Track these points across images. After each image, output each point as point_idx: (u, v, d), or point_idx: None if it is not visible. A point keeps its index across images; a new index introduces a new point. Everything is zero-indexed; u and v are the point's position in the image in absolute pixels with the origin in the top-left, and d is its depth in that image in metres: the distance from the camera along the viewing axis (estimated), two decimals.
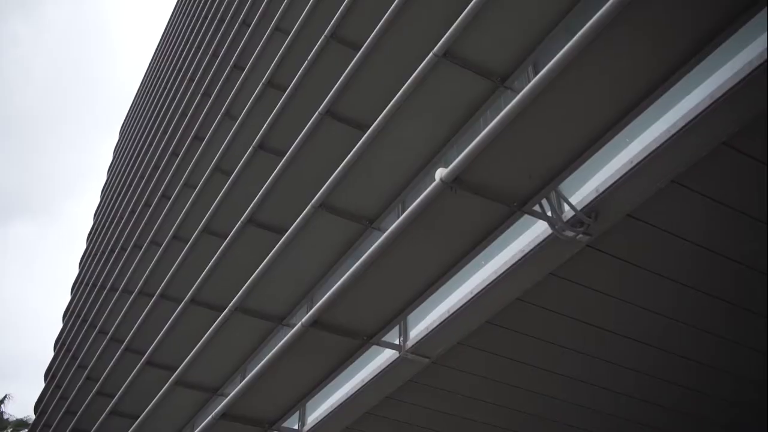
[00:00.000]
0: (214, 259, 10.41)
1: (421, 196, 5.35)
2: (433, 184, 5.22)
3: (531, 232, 5.79)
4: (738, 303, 5.83)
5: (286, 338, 6.92)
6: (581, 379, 6.81)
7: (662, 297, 5.88)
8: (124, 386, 12.74)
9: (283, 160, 9.27)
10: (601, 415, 7.30)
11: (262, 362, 7.27)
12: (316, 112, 8.55)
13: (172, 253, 13.78)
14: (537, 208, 5.41)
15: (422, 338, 6.62)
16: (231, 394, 7.75)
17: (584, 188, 5.48)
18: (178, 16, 29.18)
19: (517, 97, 4.69)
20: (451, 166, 5.07)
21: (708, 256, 5.42)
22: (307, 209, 7.63)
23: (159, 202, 17.52)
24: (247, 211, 9.78)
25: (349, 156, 7.22)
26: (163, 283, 13.12)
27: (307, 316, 6.56)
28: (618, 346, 6.38)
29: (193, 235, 12.18)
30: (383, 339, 6.81)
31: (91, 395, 15.74)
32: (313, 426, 8.00)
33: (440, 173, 5.15)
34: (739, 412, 7.09)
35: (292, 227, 7.89)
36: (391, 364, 6.93)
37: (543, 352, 6.53)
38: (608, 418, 7.33)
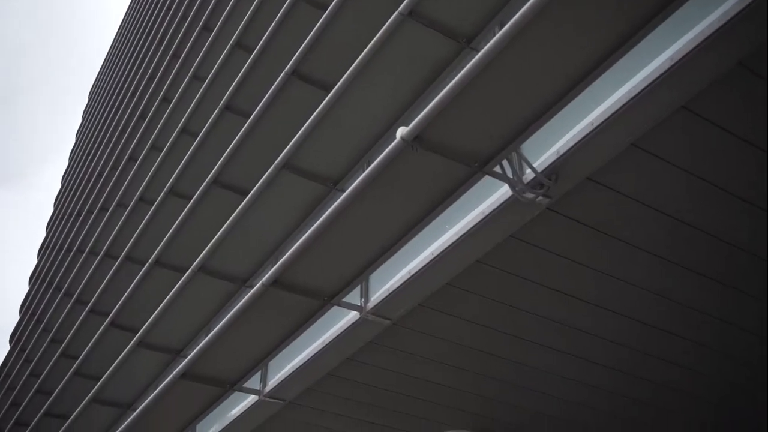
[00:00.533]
0: (178, 220, 10.33)
1: (382, 155, 5.29)
2: (394, 142, 5.17)
3: (493, 195, 5.77)
4: (702, 272, 5.85)
5: (246, 297, 6.87)
6: (550, 345, 6.82)
7: (622, 262, 5.88)
8: (87, 348, 12.69)
9: (248, 121, 9.17)
10: (579, 384, 7.31)
11: (223, 321, 7.23)
12: (282, 73, 8.45)
13: (138, 215, 13.69)
14: (498, 169, 5.38)
15: (383, 299, 6.60)
16: (192, 354, 7.71)
17: (547, 152, 5.46)
18: None
19: (479, 54, 4.62)
20: (411, 124, 5.02)
21: (669, 223, 5.43)
22: (270, 170, 7.56)
23: (126, 165, 17.35)
24: (212, 173, 9.68)
25: (312, 116, 7.14)
26: (128, 245, 13.03)
27: (268, 275, 6.51)
28: (580, 312, 6.40)
29: (159, 197, 12.07)
30: (344, 300, 6.79)
31: (55, 357, 15.65)
32: (275, 387, 7.99)
33: (401, 131, 5.09)
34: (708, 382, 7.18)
35: (255, 188, 7.83)
36: (352, 325, 6.92)
37: (504, 315, 6.53)
38: (588, 389, 7.36)
